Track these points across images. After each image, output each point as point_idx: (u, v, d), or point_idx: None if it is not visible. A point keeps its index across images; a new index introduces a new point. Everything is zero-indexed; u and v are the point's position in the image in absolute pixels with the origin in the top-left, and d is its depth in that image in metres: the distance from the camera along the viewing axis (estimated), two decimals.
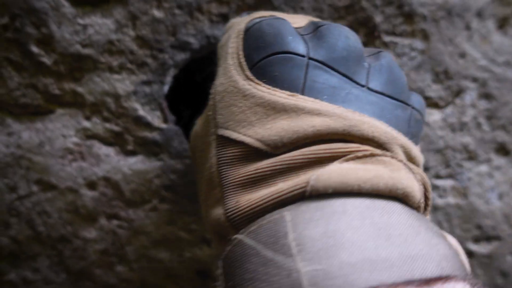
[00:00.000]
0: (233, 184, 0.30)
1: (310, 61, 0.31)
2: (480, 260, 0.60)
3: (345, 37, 0.32)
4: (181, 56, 0.50)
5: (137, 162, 0.52)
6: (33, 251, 0.55)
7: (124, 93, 0.51)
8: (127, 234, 0.54)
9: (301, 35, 0.33)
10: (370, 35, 0.52)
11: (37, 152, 0.52)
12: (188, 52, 0.50)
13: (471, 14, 0.55)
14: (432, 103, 0.55)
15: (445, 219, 0.58)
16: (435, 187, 0.57)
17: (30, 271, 0.56)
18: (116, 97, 0.51)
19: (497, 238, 0.60)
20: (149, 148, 0.52)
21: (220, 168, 0.31)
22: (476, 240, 0.59)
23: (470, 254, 0.59)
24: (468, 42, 0.55)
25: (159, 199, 0.53)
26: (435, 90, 0.54)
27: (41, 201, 0.53)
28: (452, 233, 0.58)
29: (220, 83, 0.33)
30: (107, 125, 0.51)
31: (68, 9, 0.48)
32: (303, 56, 0.31)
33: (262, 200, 0.28)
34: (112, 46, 0.49)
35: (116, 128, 0.52)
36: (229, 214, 0.29)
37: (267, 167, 0.29)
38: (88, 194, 0.53)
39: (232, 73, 0.32)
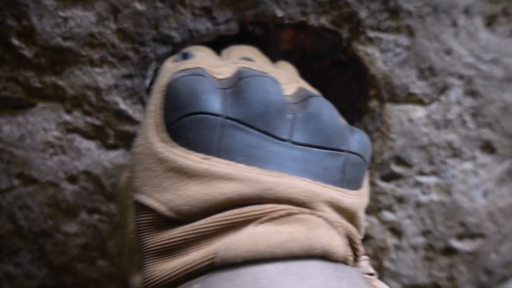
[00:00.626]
0: (150, 252, 0.29)
1: (227, 120, 0.29)
2: (463, 257, 0.60)
3: (263, 91, 0.30)
4: (163, 50, 0.50)
5: (118, 156, 0.52)
6: (15, 246, 0.55)
7: (105, 87, 0.50)
8: (108, 229, 0.54)
9: (224, 88, 0.31)
10: (354, 30, 0.52)
11: (18, 145, 0.51)
12: (170, 46, 0.50)
13: (458, 11, 0.54)
14: (416, 100, 0.54)
15: (428, 216, 0.57)
16: (418, 184, 0.56)
17: (13, 265, 0.56)
18: (97, 90, 0.50)
19: (481, 235, 0.60)
20: (130, 142, 0.52)
21: (138, 235, 0.30)
22: (460, 237, 0.59)
23: (453, 251, 0.59)
24: (454, 39, 0.55)
25: None
26: (419, 87, 0.54)
27: (22, 195, 0.53)
28: (435, 230, 0.58)
29: (139, 143, 0.32)
30: (88, 118, 0.51)
31: (49, 1, 0.48)
32: (218, 115, 0.29)
33: (174, 271, 0.27)
34: (93, 39, 0.49)
35: (97, 122, 0.51)
36: (146, 284, 0.28)
37: (179, 236, 0.28)
38: (69, 188, 0.52)
39: (149, 134, 0.31)
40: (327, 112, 0.32)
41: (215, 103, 0.30)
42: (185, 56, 0.37)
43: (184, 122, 0.29)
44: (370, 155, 0.36)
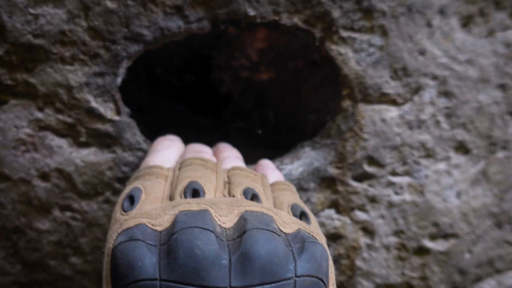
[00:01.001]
0: None
1: (163, 282, 0.31)
2: (436, 257, 0.60)
3: (192, 247, 0.31)
4: (134, 48, 0.50)
5: (89, 154, 0.52)
6: None
7: (77, 85, 0.50)
8: (81, 226, 0.54)
9: (161, 244, 0.32)
10: (327, 30, 0.52)
11: None
12: (141, 44, 0.50)
13: (433, 11, 0.54)
14: (389, 100, 0.54)
15: (400, 216, 0.58)
16: (391, 184, 0.57)
17: None
18: (69, 88, 0.50)
19: (454, 235, 0.60)
20: (101, 140, 0.52)
21: None
22: (433, 237, 0.59)
23: (426, 251, 0.60)
24: (428, 39, 0.54)
25: (111, 191, 0.53)
26: (393, 87, 0.54)
27: None
28: (408, 230, 0.58)
29: None
30: (60, 116, 0.51)
31: None
32: (155, 279, 0.31)
33: None
34: (64, 37, 0.49)
35: (68, 120, 0.51)
36: None
37: None
38: (41, 185, 0.53)
39: None
40: (263, 245, 0.32)
41: (150, 267, 0.31)
42: (132, 201, 0.38)
43: None
44: (328, 266, 0.35)
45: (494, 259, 0.64)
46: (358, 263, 0.58)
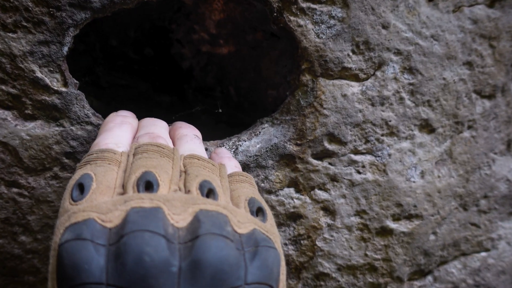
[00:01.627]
0: None
1: (109, 287, 0.30)
2: (400, 238, 0.59)
3: (140, 253, 0.30)
4: (80, 16, 0.47)
5: (35, 127, 0.50)
6: None
7: (20, 53, 0.47)
8: (29, 203, 0.52)
9: (110, 244, 0.31)
10: (286, 0, 0.49)
11: None
12: (88, 12, 0.47)
13: None
14: (351, 75, 0.53)
15: (362, 196, 0.56)
16: (353, 162, 0.55)
17: None
18: (11, 57, 0.47)
19: (418, 216, 0.59)
20: (48, 113, 0.49)
21: None
22: (396, 218, 0.58)
23: (389, 231, 0.58)
24: (392, 12, 0.53)
25: (60, 166, 0.51)
26: (354, 61, 0.52)
27: None
28: (370, 210, 0.57)
29: None
30: (3, 87, 0.48)
31: None
32: (101, 284, 0.30)
33: None
34: (6, 2, 0.46)
35: (12, 91, 0.49)
36: None
37: None
38: None
39: None
40: (215, 253, 0.31)
41: (97, 271, 0.30)
42: (82, 189, 0.36)
43: None
44: (279, 272, 0.34)
45: (460, 241, 0.63)
46: (319, 243, 0.57)
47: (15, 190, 0.51)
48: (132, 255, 0.30)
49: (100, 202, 0.34)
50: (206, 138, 0.53)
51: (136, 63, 0.62)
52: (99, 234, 0.32)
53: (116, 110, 0.51)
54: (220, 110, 0.58)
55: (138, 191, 0.35)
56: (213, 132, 0.58)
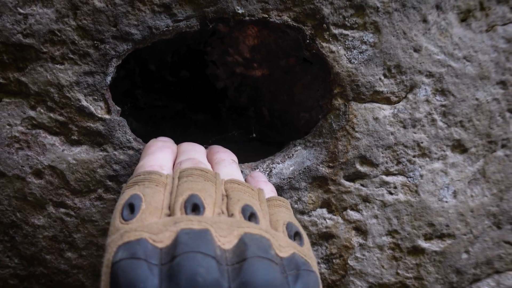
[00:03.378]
0: None
1: None
2: (432, 257, 0.59)
3: (193, 274, 0.31)
4: (123, 47, 0.50)
5: (81, 152, 0.53)
6: None
7: (67, 83, 0.50)
8: (75, 222, 0.55)
9: (162, 264, 0.33)
10: (318, 27, 0.51)
11: None
12: (130, 43, 0.50)
13: (429, 6, 0.53)
14: (383, 98, 0.53)
15: (394, 216, 0.57)
16: (384, 183, 0.56)
17: None
18: (59, 87, 0.51)
19: (451, 236, 0.59)
20: (93, 138, 0.52)
21: None
22: (428, 238, 0.58)
23: (421, 251, 0.59)
24: (424, 35, 0.53)
25: (103, 188, 0.54)
26: (386, 85, 0.53)
27: None
28: (402, 230, 0.57)
29: None
30: (52, 114, 0.52)
31: None
32: None
33: None
34: (54, 36, 0.49)
35: (60, 118, 0.52)
36: None
37: None
38: (35, 182, 0.54)
39: None
40: (263, 275, 0.33)
41: None
42: (132, 209, 0.38)
43: None
44: None
45: (493, 260, 0.63)
46: (351, 262, 0.58)
47: (62, 210, 0.55)
48: (186, 276, 0.31)
49: (151, 222, 0.36)
50: (239, 155, 0.55)
51: (173, 85, 0.65)
52: (152, 254, 0.34)
53: (154, 131, 0.53)
54: (254, 135, 0.60)
55: (186, 213, 0.37)
56: (246, 149, 0.60)
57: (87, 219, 0.55)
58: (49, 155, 0.53)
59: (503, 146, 0.59)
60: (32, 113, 0.52)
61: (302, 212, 0.56)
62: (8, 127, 0.52)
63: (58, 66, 0.50)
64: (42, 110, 0.52)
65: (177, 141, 0.52)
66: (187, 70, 0.65)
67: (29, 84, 0.51)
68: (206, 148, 0.52)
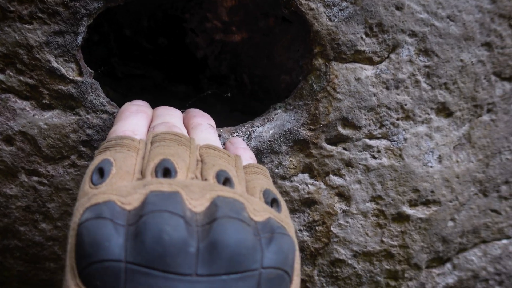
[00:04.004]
0: None
1: (128, 265, 0.30)
2: (417, 224, 0.58)
3: (159, 232, 0.31)
4: (94, 5, 0.48)
5: (53, 116, 0.51)
6: None
7: (36, 44, 0.49)
8: (48, 191, 0.53)
9: (129, 224, 0.32)
10: None
11: None
12: (101, 1, 0.48)
13: None
14: (365, 58, 0.52)
15: (378, 181, 0.55)
16: (367, 147, 0.54)
17: None
18: (28, 48, 0.49)
19: (436, 202, 0.58)
20: (64, 102, 0.50)
21: None
22: (413, 204, 0.57)
23: (406, 217, 0.57)
24: None
25: (77, 155, 0.52)
26: (368, 44, 0.51)
27: None
28: (386, 196, 0.56)
29: (63, 285, 0.34)
30: (21, 77, 0.50)
31: None
32: (120, 261, 0.30)
33: None
34: None
35: (30, 81, 0.50)
36: None
37: None
38: (5, 149, 0.52)
39: (67, 276, 0.32)
40: (232, 235, 0.32)
41: (116, 248, 0.31)
42: (102, 174, 0.37)
43: (91, 270, 0.31)
44: (294, 258, 0.35)
45: (480, 228, 0.62)
46: (334, 230, 0.56)
47: (35, 178, 0.53)
48: (151, 234, 0.31)
49: (120, 185, 0.35)
50: (220, 126, 0.54)
51: (151, 53, 0.63)
52: (119, 215, 0.33)
53: (131, 100, 0.51)
54: (229, 94, 0.58)
55: (157, 176, 0.35)
56: (227, 120, 0.58)
57: (61, 188, 0.53)
58: (19, 120, 0.51)
59: (489, 110, 0.58)
60: (0, 76, 0.50)
61: (283, 177, 0.54)
62: None
63: (26, 25, 0.48)
64: (11, 73, 0.50)
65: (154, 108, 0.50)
66: (165, 38, 0.63)
67: None
68: (183, 112, 0.51)
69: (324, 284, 0.59)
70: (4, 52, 0.49)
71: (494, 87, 0.57)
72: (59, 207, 0.54)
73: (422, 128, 0.55)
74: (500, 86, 0.57)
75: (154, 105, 0.51)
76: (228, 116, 0.64)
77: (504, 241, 0.63)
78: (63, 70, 0.49)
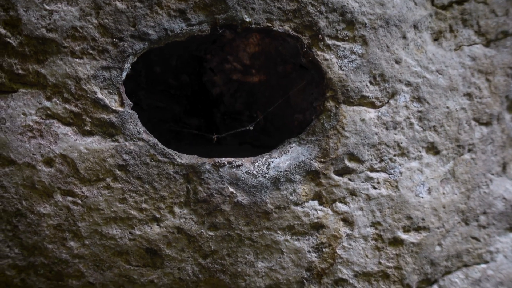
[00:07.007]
0: None
1: None
2: (410, 248, 0.65)
3: None
4: (139, 46, 0.54)
5: (93, 142, 0.56)
6: None
7: (85, 77, 0.54)
8: (81, 211, 0.58)
9: None
10: (314, 37, 0.58)
11: None
12: (146, 43, 0.55)
13: (407, 25, 0.61)
14: (369, 102, 0.60)
15: (377, 208, 0.63)
16: (369, 179, 0.62)
17: None
18: (77, 80, 0.54)
19: (426, 229, 0.66)
20: (105, 129, 0.56)
21: None
22: (406, 230, 0.65)
23: (400, 242, 0.65)
24: (404, 49, 0.61)
25: (112, 178, 0.57)
26: (371, 91, 0.60)
27: None
28: (384, 222, 0.64)
29: None
30: (67, 105, 0.55)
31: None
32: None
33: None
34: (76, 32, 0.53)
35: (75, 109, 0.55)
36: None
37: None
38: (44, 170, 0.56)
39: None
40: None
41: None
42: None
43: None
44: None
45: (462, 253, 0.70)
46: (339, 251, 0.63)
47: (69, 198, 0.57)
48: None
49: None
50: (233, 156, 0.60)
51: (173, 88, 0.69)
52: None
53: (151, 131, 0.57)
54: (251, 128, 0.64)
55: None
56: (237, 152, 0.65)
57: (93, 208, 0.58)
58: (61, 144, 0.56)
59: (469, 150, 0.67)
60: (47, 103, 0.55)
61: (296, 204, 0.61)
62: (22, 116, 0.55)
63: (77, 60, 0.54)
64: (57, 101, 0.55)
65: (172, 147, 0.56)
66: (187, 75, 0.70)
67: (48, 76, 0.54)
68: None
69: None
70: (54, 82, 0.54)
71: (474, 131, 0.67)
72: (89, 226, 0.58)
73: (414, 164, 0.63)
74: (479, 130, 0.67)
75: (169, 135, 0.57)
76: (238, 149, 0.70)
77: (483, 265, 0.71)
78: (107, 101, 0.55)
